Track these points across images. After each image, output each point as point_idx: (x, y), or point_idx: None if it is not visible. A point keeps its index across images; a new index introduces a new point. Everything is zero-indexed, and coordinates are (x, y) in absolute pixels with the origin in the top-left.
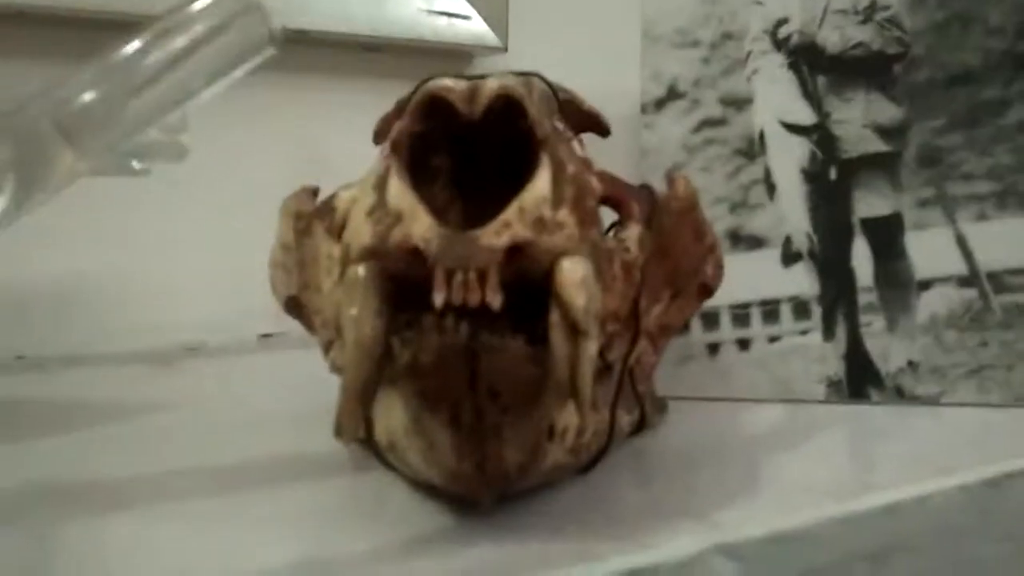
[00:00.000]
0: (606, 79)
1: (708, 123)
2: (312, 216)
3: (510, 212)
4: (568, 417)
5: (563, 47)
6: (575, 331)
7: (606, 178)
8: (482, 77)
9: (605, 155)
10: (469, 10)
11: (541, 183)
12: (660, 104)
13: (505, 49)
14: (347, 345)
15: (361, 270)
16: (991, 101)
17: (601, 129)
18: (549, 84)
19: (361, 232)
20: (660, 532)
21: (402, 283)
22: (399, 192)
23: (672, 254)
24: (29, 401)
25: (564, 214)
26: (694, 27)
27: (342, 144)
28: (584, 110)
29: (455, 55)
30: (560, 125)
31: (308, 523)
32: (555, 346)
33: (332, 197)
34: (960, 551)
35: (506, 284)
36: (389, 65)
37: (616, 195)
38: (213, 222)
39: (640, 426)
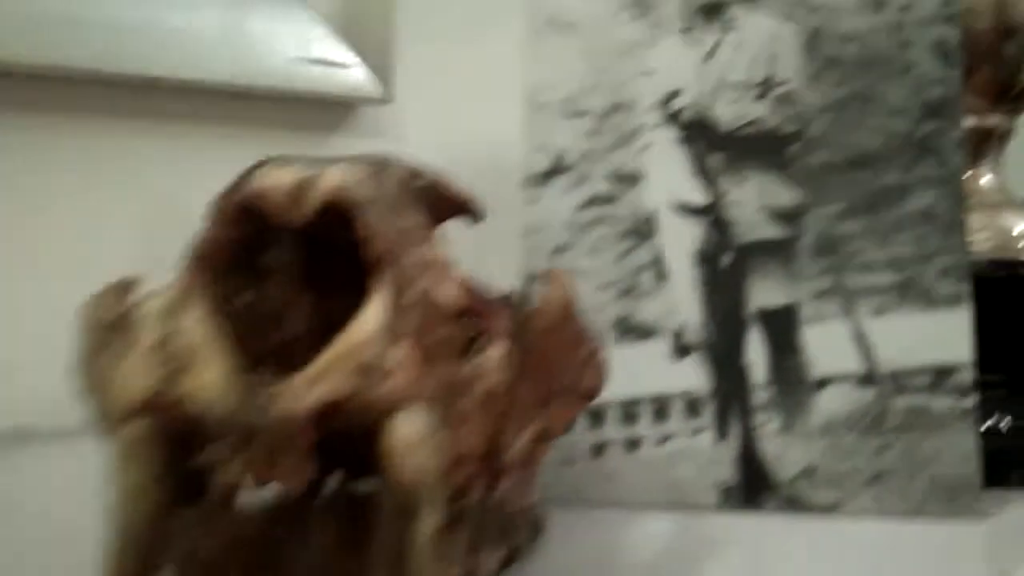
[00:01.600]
0: (492, 145)
1: (596, 200)
2: (109, 329)
3: (327, 357)
4: None
5: (452, 101)
6: (406, 509)
7: (467, 285)
8: (327, 162)
9: (487, 232)
10: (350, 58)
11: (371, 317)
12: (545, 178)
13: (390, 100)
14: (113, 528)
15: (132, 431)
16: (891, 187)
17: (473, 214)
18: (415, 168)
19: (135, 377)
20: None
21: (188, 446)
22: (195, 324)
23: (546, 368)
24: None
25: (401, 352)
26: (582, 96)
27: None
28: (452, 194)
29: (336, 105)
30: (415, 221)
31: None
32: (381, 527)
33: (135, 306)
34: None
35: (322, 441)
36: (264, 114)
37: (477, 307)
38: (50, 291)
39: (511, 558)
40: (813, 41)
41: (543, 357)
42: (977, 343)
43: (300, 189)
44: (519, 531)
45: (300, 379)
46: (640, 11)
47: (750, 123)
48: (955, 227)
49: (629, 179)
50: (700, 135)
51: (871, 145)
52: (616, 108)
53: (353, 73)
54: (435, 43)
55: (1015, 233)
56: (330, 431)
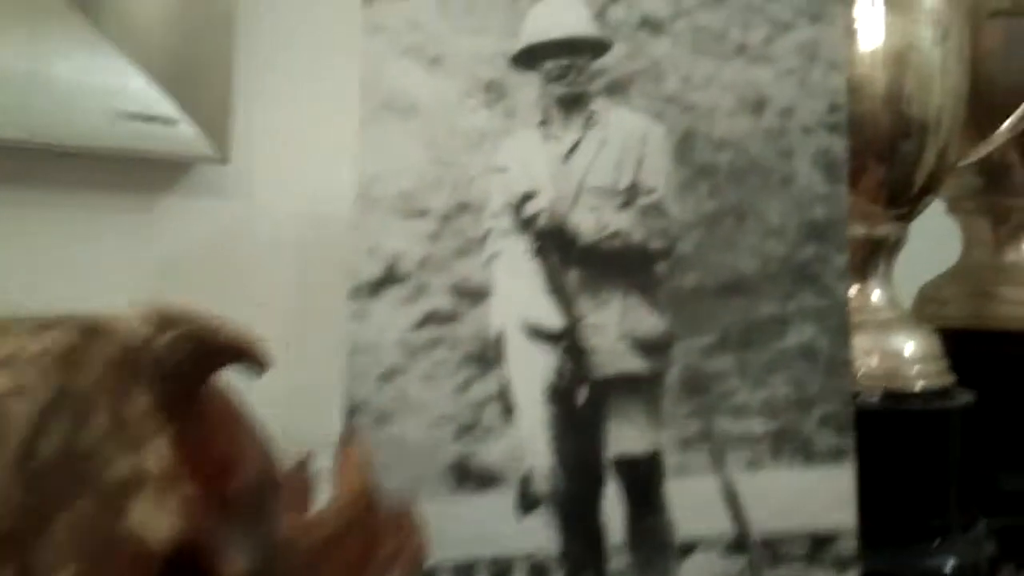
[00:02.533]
0: (322, 243)
1: (435, 318)
2: None
3: None
4: None
5: (293, 169)
6: None
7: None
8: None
9: (308, 347)
10: (178, 114)
11: None
12: (376, 288)
13: (225, 161)
14: None
15: None
16: (768, 318)
17: (254, 363)
18: (164, 318)
19: None
20: None
21: None
22: None
23: None
24: None
25: None
26: (422, 193)
27: (21, 264)
28: (223, 341)
29: (165, 164)
30: (118, 418)
31: None
32: None
33: None
34: None
35: None
36: (82, 175)
37: (205, 535)
38: None
39: None
40: (685, 145)
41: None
42: (860, 495)
43: None
44: None
45: None
46: (493, 97)
47: (613, 235)
48: (838, 368)
49: (474, 294)
50: (556, 246)
51: (746, 268)
52: (461, 209)
53: (182, 130)
54: (277, 104)
55: (907, 355)
56: None
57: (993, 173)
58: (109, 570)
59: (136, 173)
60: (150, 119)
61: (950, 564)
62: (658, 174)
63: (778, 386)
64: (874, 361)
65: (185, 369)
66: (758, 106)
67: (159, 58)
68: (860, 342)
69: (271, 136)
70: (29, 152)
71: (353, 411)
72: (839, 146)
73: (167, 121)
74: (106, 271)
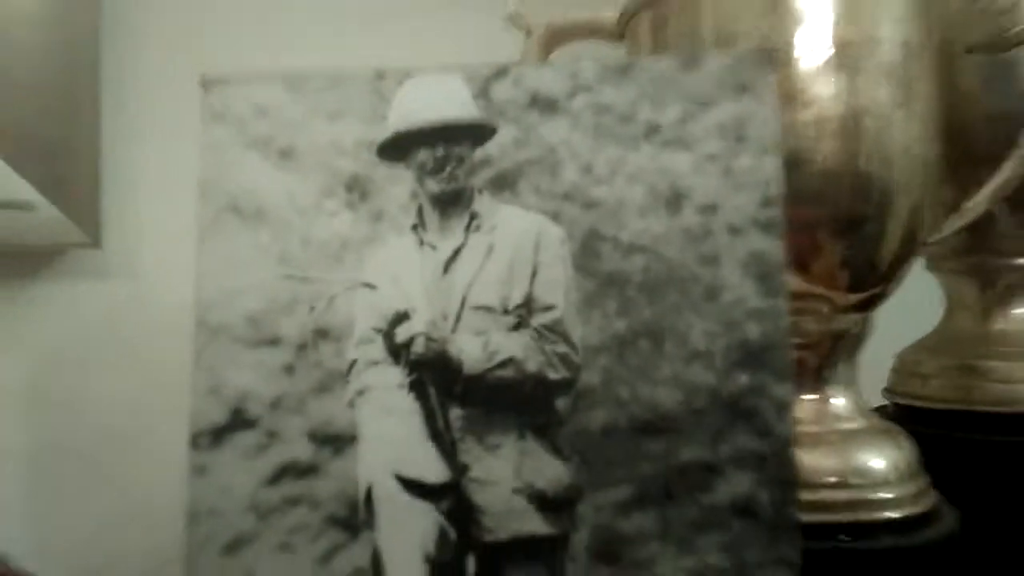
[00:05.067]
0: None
1: (292, 470)
2: None
3: None
4: None
5: (168, 246)
6: None
7: None
8: None
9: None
10: (37, 198)
11: None
12: (219, 435)
13: (97, 245)
14: None
15: None
16: (694, 466)
17: None
18: None
19: None
20: None
21: None
22: None
23: None
24: None
25: None
26: (273, 316)
27: None
28: None
29: (37, 252)
30: None
31: None
32: None
33: None
34: None
35: None
36: None
37: None
38: None
39: None
40: (588, 250)
41: None
42: None
43: None
44: None
45: None
46: (356, 197)
47: (503, 364)
48: (785, 528)
49: (337, 441)
50: (436, 379)
51: (666, 403)
52: (321, 335)
53: (43, 214)
54: (148, 188)
55: (877, 475)
56: None
57: (978, 228)
58: None
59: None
60: (5, 205)
61: None
62: (556, 287)
63: (708, 552)
64: (840, 486)
65: None
66: (674, 201)
67: (16, 141)
68: (819, 460)
69: (145, 220)
70: None
71: None
72: (775, 248)
73: (25, 206)
74: None
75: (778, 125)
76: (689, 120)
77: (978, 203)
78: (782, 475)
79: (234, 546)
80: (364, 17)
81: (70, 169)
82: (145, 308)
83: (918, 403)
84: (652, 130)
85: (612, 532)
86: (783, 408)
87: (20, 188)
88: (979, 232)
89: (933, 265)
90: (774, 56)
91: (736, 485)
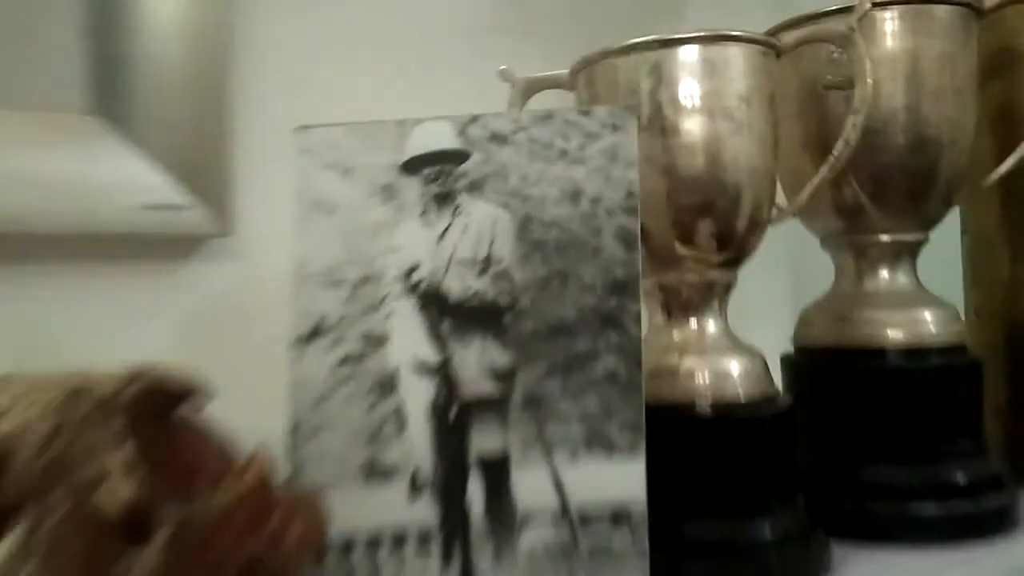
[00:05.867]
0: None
1: (350, 359)
2: None
3: None
4: None
5: (280, 235)
6: None
7: (160, 474)
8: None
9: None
10: (188, 201)
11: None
12: (308, 339)
13: (230, 234)
14: None
15: None
16: (583, 353)
17: (186, 398)
18: (132, 376)
19: None
20: None
21: None
22: None
23: (225, 543)
24: None
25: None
26: (339, 269)
27: (74, 324)
28: (175, 387)
29: (181, 241)
30: (100, 436)
31: None
32: None
33: None
34: None
35: None
36: (120, 254)
37: (152, 499)
38: None
39: None
40: (524, 227)
41: (223, 536)
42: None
43: None
44: None
45: None
46: (387, 197)
47: (473, 295)
48: (634, 388)
49: (376, 341)
50: (434, 304)
51: (568, 316)
52: (366, 280)
53: (193, 214)
54: (267, 188)
55: (733, 374)
56: None
57: (852, 215)
58: (80, 518)
59: (159, 250)
60: (166, 208)
61: (766, 529)
62: (505, 249)
63: (590, 402)
64: (706, 379)
65: (144, 408)
66: (575, 196)
67: (173, 158)
68: (695, 364)
69: (265, 214)
70: (76, 239)
71: (294, 427)
72: (634, 224)
73: (180, 208)
74: (141, 326)
75: (635, 150)
76: (585, 147)
77: (802, 195)
78: (633, 357)
79: (317, 403)
80: (405, 75)
81: (213, 177)
82: (267, 283)
83: (807, 344)
84: (563, 154)
85: (534, 392)
86: (636, 318)
87: (176, 194)
88: (853, 217)
89: (824, 243)
90: (635, 109)
91: (607, 363)
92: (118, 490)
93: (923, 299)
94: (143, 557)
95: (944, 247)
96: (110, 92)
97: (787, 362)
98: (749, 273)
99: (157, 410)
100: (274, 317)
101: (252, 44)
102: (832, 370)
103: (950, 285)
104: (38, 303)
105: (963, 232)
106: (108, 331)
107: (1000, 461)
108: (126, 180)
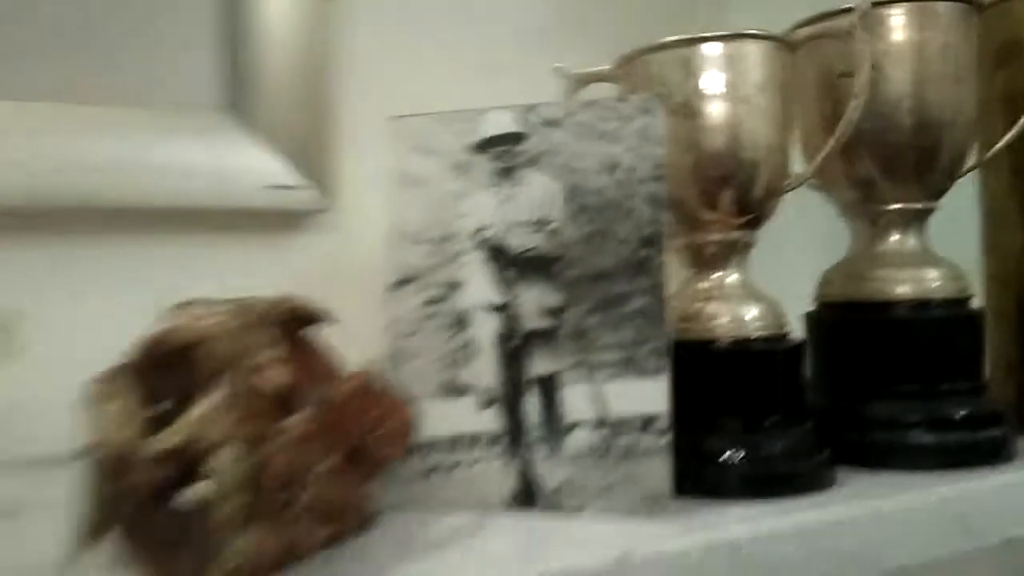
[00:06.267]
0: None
1: (433, 301)
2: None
3: (179, 423)
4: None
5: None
6: (216, 500)
7: (299, 370)
8: (213, 304)
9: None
10: (301, 181)
11: (206, 402)
12: (401, 285)
13: (332, 210)
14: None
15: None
16: (619, 294)
17: (317, 321)
18: (280, 300)
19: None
20: None
21: None
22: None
23: (346, 422)
24: None
25: (222, 418)
26: (425, 230)
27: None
28: (308, 312)
29: (292, 216)
30: (261, 338)
31: None
32: (205, 512)
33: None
34: None
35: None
36: (241, 226)
37: (296, 385)
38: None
39: (336, 537)
40: (571, 194)
41: (344, 417)
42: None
43: (162, 336)
44: (346, 518)
45: (165, 432)
46: (461, 172)
47: (530, 249)
48: (660, 321)
49: (454, 287)
50: (499, 257)
51: (607, 265)
52: (446, 238)
53: (303, 193)
54: (364, 168)
55: (748, 317)
56: (182, 460)
57: (865, 187)
58: (247, 396)
59: (275, 223)
60: (283, 188)
61: (777, 444)
62: (556, 211)
63: (625, 333)
64: (726, 320)
65: (289, 322)
66: (613, 168)
67: (288, 146)
68: (717, 308)
69: (361, 192)
70: (209, 214)
71: (392, 355)
72: (661, 190)
73: (294, 188)
74: (262, 286)
75: (662, 130)
76: (622, 128)
77: (807, 169)
78: (659, 297)
79: (407, 336)
80: (476, 72)
81: (320, 161)
82: (362, 249)
83: (826, 300)
84: (603, 134)
85: (580, 326)
86: (660, 267)
87: (291, 177)
88: (867, 189)
89: (841, 212)
90: (664, 97)
91: (638, 302)
92: (274, 376)
93: (929, 259)
94: (293, 423)
95: (963, 218)
96: (238, 92)
97: (808, 317)
98: (781, 242)
99: (296, 326)
100: (367, 275)
101: (351, 51)
102: (846, 321)
103: (968, 253)
104: (176, 269)
105: (979, 203)
106: (235, 291)
107: (999, 402)
108: (250, 165)
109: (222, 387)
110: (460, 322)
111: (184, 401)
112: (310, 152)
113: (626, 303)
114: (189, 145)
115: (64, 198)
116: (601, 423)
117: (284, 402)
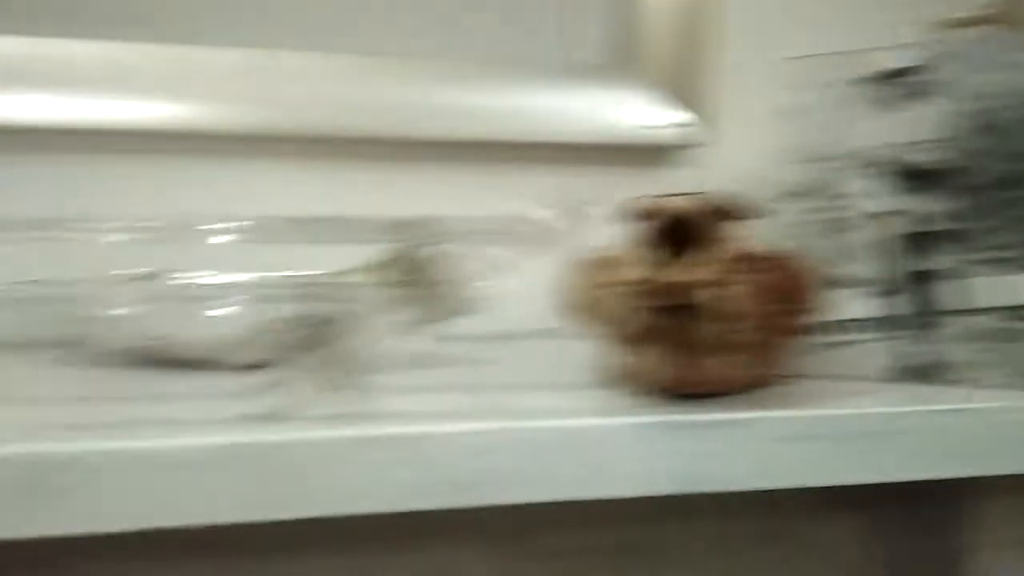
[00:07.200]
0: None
1: (822, 209)
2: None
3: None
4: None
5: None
6: (719, 316)
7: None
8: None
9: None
10: (692, 120)
11: (709, 251)
12: (791, 198)
13: (711, 144)
14: None
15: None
16: (1011, 199)
17: (753, 215)
18: (723, 196)
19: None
20: None
21: None
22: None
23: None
24: None
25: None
26: (812, 153)
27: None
28: (743, 207)
29: (671, 150)
30: (718, 223)
31: None
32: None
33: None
34: None
35: None
36: (625, 159)
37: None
38: None
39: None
40: (971, 115)
41: (779, 293)
42: None
43: (659, 207)
44: (770, 365)
45: (669, 271)
46: (850, 103)
47: (934, 161)
48: None
49: (840, 196)
50: (899, 170)
51: (1002, 173)
52: (832, 158)
53: (694, 130)
54: (739, 108)
55: None
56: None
57: None
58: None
59: (656, 156)
60: (669, 127)
61: None
62: (955, 131)
63: (1017, 234)
64: None
65: (710, 215)
66: (1012, 93)
67: (678, 88)
68: None
69: (737, 129)
70: (602, 149)
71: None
72: None
73: (685, 125)
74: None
75: None
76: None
77: None
78: None
79: (795, 238)
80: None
81: (707, 101)
82: (739, 182)
83: None
84: (1003, 64)
85: (972, 228)
86: None
87: (681, 116)
88: None
89: None
90: None
91: None
92: (737, 243)
93: None
94: (749, 278)
95: None
96: (630, 42)
97: None
98: None
99: (734, 217)
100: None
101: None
102: None
103: None
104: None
105: None
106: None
107: None
108: (645, 111)
109: (702, 247)
110: (853, 224)
111: (678, 254)
112: (696, 91)
113: (1019, 207)
114: (589, 92)
115: (481, 134)
116: (986, 311)
117: (739, 265)
